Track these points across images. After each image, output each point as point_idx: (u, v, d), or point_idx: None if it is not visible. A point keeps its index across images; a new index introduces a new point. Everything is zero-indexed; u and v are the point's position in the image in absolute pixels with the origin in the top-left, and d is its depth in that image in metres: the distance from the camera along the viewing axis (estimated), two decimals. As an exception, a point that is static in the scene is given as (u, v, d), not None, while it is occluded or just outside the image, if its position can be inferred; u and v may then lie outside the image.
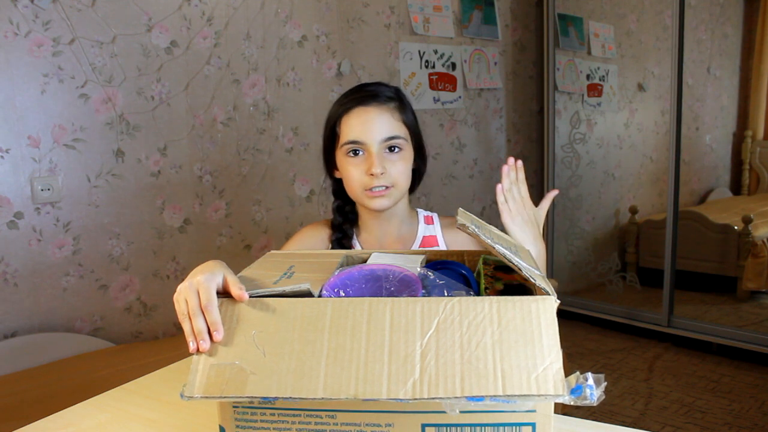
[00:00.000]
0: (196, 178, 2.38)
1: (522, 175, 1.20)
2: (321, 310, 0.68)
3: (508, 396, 0.59)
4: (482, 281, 0.83)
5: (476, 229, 0.73)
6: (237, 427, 0.70)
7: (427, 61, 3.13)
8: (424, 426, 0.66)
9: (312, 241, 1.31)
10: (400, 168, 1.20)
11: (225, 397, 0.64)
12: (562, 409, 1.10)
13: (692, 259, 3.62)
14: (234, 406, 0.69)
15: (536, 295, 0.69)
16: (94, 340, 2.07)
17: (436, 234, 1.30)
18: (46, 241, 2.03)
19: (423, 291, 0.78)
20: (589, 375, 0.61)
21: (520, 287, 0.80)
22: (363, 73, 2.87)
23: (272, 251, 1.00)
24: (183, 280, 0.74)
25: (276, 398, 0.62)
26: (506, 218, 1.16)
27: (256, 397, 0.63)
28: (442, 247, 1.29)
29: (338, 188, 1.30)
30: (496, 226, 0.85)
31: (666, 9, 3.54)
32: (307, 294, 0.73)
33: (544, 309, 0.66)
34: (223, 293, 0.74)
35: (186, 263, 2.36)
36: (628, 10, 3.81)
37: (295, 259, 0.92)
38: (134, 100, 2.19)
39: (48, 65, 2.00)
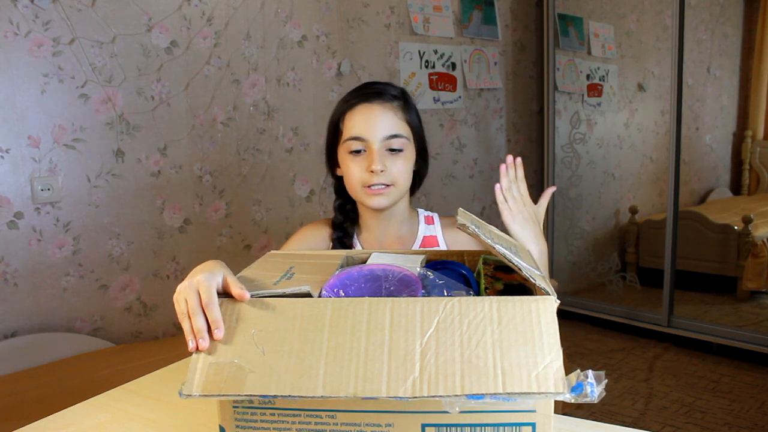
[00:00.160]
0: (196, 178, 2.38)
1: (521, 173, 1.20)
2: (321, 310, 0.68)
3: (509, 394, 0.59)
4: (482, 281, 0.83)
5: (476, 229, 0.73)
6: (237, 427, 0.70)
7: (427, 61, 3.13)
8: (424, 426, 0.66)
9: (312, 240, 1.31)
10: (401, 167, 1.20)
11: (224, 396, 0.64)
12: (562, 409, 1.10)
13: (692, 259, 3.62)
14: (234, 406, 0.69)
15: (536, 295, 0.69)
16: (94, 340, 2.07)
17: (437, 234, 1.30)
18: (46, 241, 2.03)
19: (423, 291, 0.78)
20: (590, 372, 0.61)
21: (520, 287, 0.80)
22: (363, 73, 2.87)
23: (272, 251, 1.00)
24: (183, 280, 0.74)
25: (275, 396, 0.62)
26: (507, 217, 1.16)
27: (254, 395, 0.63)
28: (442, 247, 1.29)
29: (340, 186, 1.29)
30: (496, 226, 0.85)
31: (666, 9, 3.54)
32: (307, 296, 0.73)
33: (544, 309, 0.66)
34: (223, 293, 0.74)
35: (186, 263, 2.36)
36: (628, 10, 3.81)
37: (294, 259, 0.92)
38: (134, 100, 2.19)
39: (48, 65, 2.00)
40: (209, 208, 2.42)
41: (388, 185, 1.19)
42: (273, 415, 0.68)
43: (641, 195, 4.07)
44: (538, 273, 0.72)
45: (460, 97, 3.30)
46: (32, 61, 1.97)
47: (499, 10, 3.46)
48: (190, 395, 0.64)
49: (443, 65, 3.20)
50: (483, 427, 0.66)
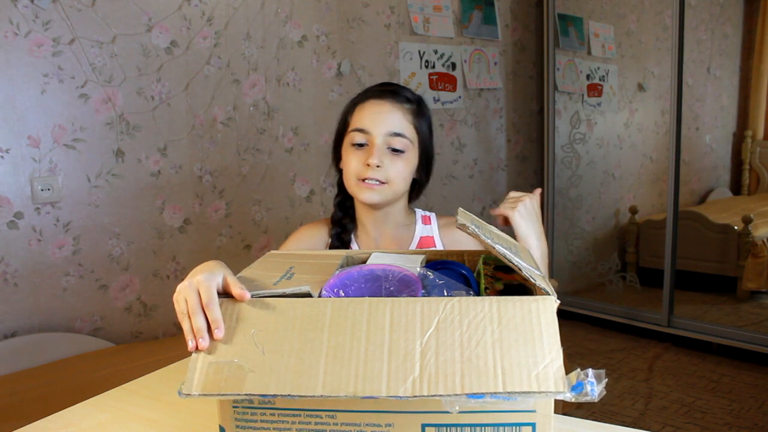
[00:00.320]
0: (196, 178, 2.38)
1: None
2: (321, 310, 0.68)
3: (509, 393, 0.59)
4: (482, 281, 0.83)
5: (476, 229, 0.73)
6: (237, 427, 0.70)
7: (427, 61, 3.13)
8: (424, 426, 0.66)
9: (310, 240, 1.31)
10: (399, 168, 1.20)
11: (223, 395, 0.63)
12: (562, 409, 1.10)
13: (692, 259, 3.62)
14: (234, 406, 0.69)
15: (536, 295, 0.69)
16: (94, 340, 2.07)
17: (433, 234, 1.29)
18: (46, 241, 2.03)
19: (423, 291, 0.78)
20: (590, 371, 0.61)
21: (520, 287, 0.80)
22: (363, 73, 2.87)
23: (272, 251, 1.00)
24: (183, 280, 0.74)
25: (275, 396, 0.62)
26: (508, 210, 1.14)
27: (254, 395, 0.63)
28: (439, 247, 1.28)
29: (341, 180, 1.30)
30: (496, 226, 0.85)
31: (666, 9, 3.54)
32: (307, 296, 0.73)
33: (545, 309, 0.66)
34: (223, 293, 0.74)
35: (186, 263, 2.36)
36: (628, 10, 3.81)
37: (294, 259, 0.92)
38: (134, 100, 2.19)
39: (48, 65, 2.00)
40: (209, 208, 2.42)
41: (382, 182, 1.19)
42: (273, 415, 0.68)
43: (641, 195, 4.07)
44: (538, 273, 0.72)
45: (460, 97, 3.30)
46: (32, 61, 1.97)
47: (499, 10, 3.46)
48: (189, 395, 0.64)
49: (443, 65, 3.20)
50: (483, 427, 0.66)
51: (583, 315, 3.48)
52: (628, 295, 3.50)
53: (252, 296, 0.72)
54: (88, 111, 2.09)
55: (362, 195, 1.20)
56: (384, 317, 0.67)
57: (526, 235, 1.13)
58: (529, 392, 0.59)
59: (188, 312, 0.70)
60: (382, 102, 1.21)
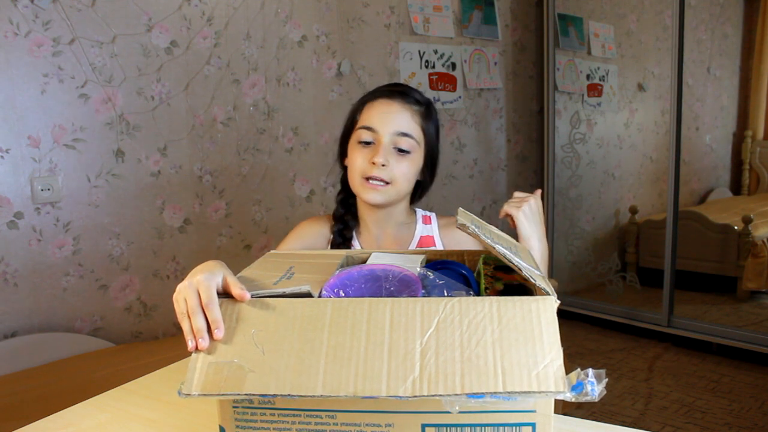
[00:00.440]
0: (196, 178, 2.38)
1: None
2: (321, 310, 0.68)
3: (509, 393, 0.59)
4: (482, 281, 0.83)
5: (476, 229, 0.73)
6: (237, 427, 0.70)
7: (427, 61, 3.13)
8: (424, 426, 0.66)
9: (311, 236, 1.31)
10: (404, 168, 1.20)
11: (223, 395, 0.63)
12: (562, 410, 1.10)
13: (692, 259, 3.62)
14: (234, 406, 0.69)
15: (536, 295, 0.69)
16: (94, 340, 2.07)
17: (434, 234, 1.30)
18: (46, 241, 2.03)
19: (423, 291, 0.78)
20: (590, 371, 0.61)
21: (520, 287, 0.80)
22: (363, 73, 2.87)
23: (272, 251, 1.00)
24: (183, 280, 0.74)
25: (275, 395, 0.62)
26: (512, 210, 1.14)
27: (254, 395, 0.63)
28: (438, 247, 1.29)
29: (346, 178, 1.30)
30: (496, 226, 0.85)
31: (666, 9, 3.54)
32: (307, 295, 0.73)
33: (545, 309, 0.66)
34: (223, 293, 0.74)
35: (186, 263, 2.36)
36: (628, 10, 3.81)
37: (294, 259, 0.92)
38: (134, 100, 2.19)
39: (48, 65, 2.00)
40: (209, 208, 2.42)
41: (386, 182, 1.19)
42: (273, 415, 0.68)
43: (641, 195, 4.07)
44: (538, 273, 0.72)
45: (460, 97, 3.30)
46: (32, 61, 1.97)
47: (499, 10, 3.46)
48: (189, 395, 0.64)
49: (443, 65, 3.20)
50: (483, 428, 0.66)
51: (583, 315, 3.48)
52: (628, 295, 3.50)
53: (252, 296, 0.72)
54: (88, 111, 2.09)
55: (366, 195, 1.20)
56: (384, 317, 0.67)
57: (528, 236, 1.13)
58: (529, 392, 0.59)
59: (188, 312, 0.70)
60: (391, 102, 1.21)
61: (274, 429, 0.69)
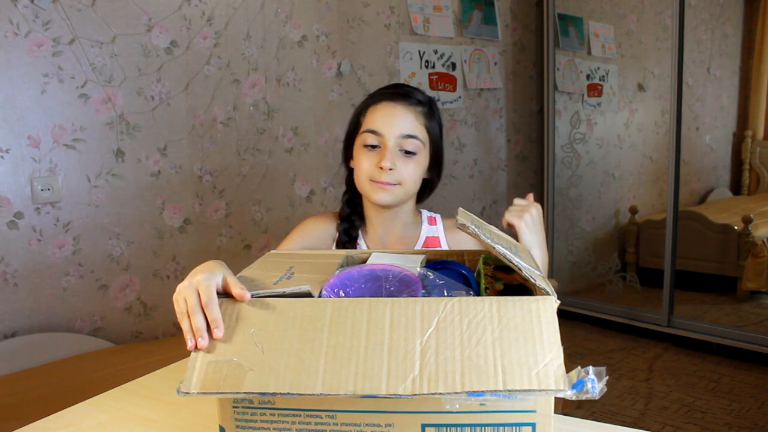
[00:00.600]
0: (196, 178, 2.38)
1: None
2: (321, 310, 0.68)
3: (509, 391, 0.59)
4: (482, 281, 0.83)
5: (476, 229, 0.73)
6: (237, 427, 0.70)
7: (427, 61, 3.13)
8: (424, 426, 0.66)
9: (316, 233, 1.31)
10: (411, 170, 1.21)
11: (222, 393, 0.63)
12: (561, 410, 1.10)
13: (692, 259, 3.62)
14: (234, 406, 0.69)
15: (536, 295, 0.69)
16: (94, 340, 2.07)
17: (439, 235, 1.31)
18: (46, 241, 2.03)
19: (423, 291, 0.78)
20: (590, 369, 0.61)
21: (520, 287, 0.80)
22: (363, 73, 2.87)
23: (272, 251, 1.00)
24: (183, 280, 0.74)
25: (274, 394, 0.62)
26: (515, 219, 1.12)
27: (253, 393, 0.62)
28: (444, 247, 1.29)
29: (351, 179, 1.31)
30: (496, 226, 0.85)
31: (666, 9, 3.54)
32: (308, 295, 0.73)
33: (545, 308, 0.66)
34: (223, 293, 0.74)
35: (186, 263, 2.36)
36: (628, 10, 3.81)
37: (294, 259, 0.92)
38: (134, 100, 2.19)
39: (48, 65, 2.00)
40: (209, 208, 2.42)
41: (394, 184, 1.20)
42: (273, 415, 0.68)
43: (641, 195, 4.07)
44: (538, 273, 0.72)
45: (460, 97, 3.30)
46: (32, 61, 1.97)
47: (499, 10, 3.46)
48: (188, 393, 0.64)
49: (443, 65, 3.20)
50: (483, 428, 0.66)
51: (583, 315, 3.48)
52: (628, 295, 3.50)
53: (252, 296, 0.72)
54: (88, 111, 2.09)
55: (374, 195, 1.21)
56: (384, 317, 0.67)
57: (530, 245, 1.12)
58: (529, 390, 0.59)
59: (188, 312, 0.70)
60: (394, 104, 1.22)
61: (274, 429, 0.69)
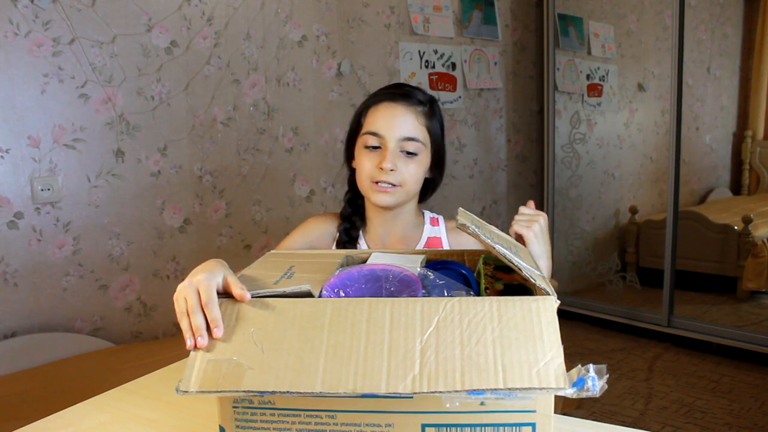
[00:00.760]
0: (196, 178, 2.38)
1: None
2: (321, 310, 0.68)
3: (509, 389, 0.59)
4: (482, 281, 0.83)
5: (476, 229, 0.73)
6: (237, 427, 0.70)
7: (427, 61, 3.13)
8: (424, 426, 0.66)
9: (318, 232, 1.32)
10: (412, 171, 1.21)
11: (221, 392, 0.63)
12: (561, 410, 1.10)
13: (692, 259, 3.62)
14: (234, 406, 0.69)
15: (536, 295, 0.69)
16: (94, 340, 2.07)
17: (441, 236, 1.30)
18: (46, 241, 2.03)
19: (423, 291, 0.78)
20: (591, 366, 0.61)
21: (520, 287, 0.80)
22: (363, 73, 2.87)
23: (272, 251, 1.00)
24: (183, 280, 0.74)
25: (273, 392, 0.62)
26: (523, 230, 1.07)
27: (252, 391, 0.62)
28: (446, 248, 1.29)
29: (353, 179, 1.31)
30: (496, 226, 0.85)
31: (666, 9, 3.54)
32: (308, 295, 0.73)
33: (545, 308, 0.66)
34: (223, 293, 0.74)
35: (186, 263, 2.36)
36: (628, 10, 3.81)
37: (295, 259, 0.92)
38: (134, 100, 2.19)
39: (48, 65, 2.00)
40: (209, 208, 2.42)
41: (395, 185, 1.20)
42: (273, 415, 0.68)
43: (641, 195, 4.07)
44: (538, 273, 0.72)
45: (460, 97, 3.30)
46: (32, 61, 1.97)
47: (499, 10, 3.46)
48: (187, 391, 0.64)
49: (443, 65, 3.20)
50: (483, 428, 0.66)
51: (583, 315, 3.48)
52: (628, 295, 3.50)
53: (252, 296, 0.72)
54: (88, 111, 2.09)
55: (376, 198, 1.21)
56: (384, 317, 0.67)
57: (537, 256, 1.10)
58: (530, 388, 0.59)
59: (187, 311, 0.70)
60: (395, 105, 1.21)
61: (274, 429, 0.69)
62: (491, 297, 0.68)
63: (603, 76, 3.72)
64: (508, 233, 1.06)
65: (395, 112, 1.21)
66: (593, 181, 3.79)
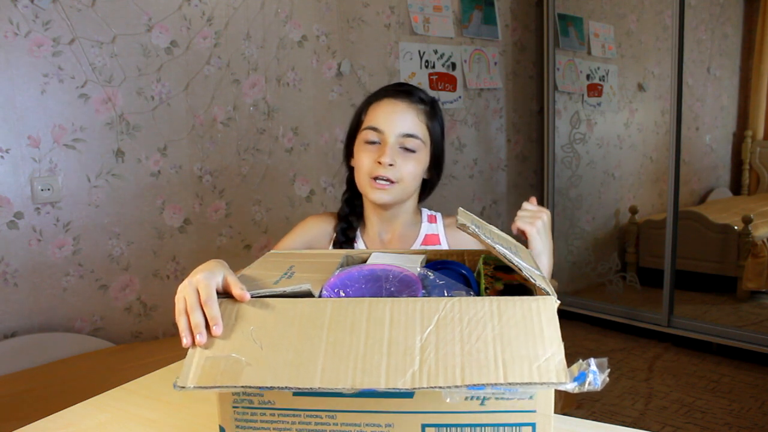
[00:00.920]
0: (196, 178, 2.38)
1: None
2: (320, 309, 0.68)
3: (510, 384, 0.59)
4: (482, 281, 0.83)
5: (476, 229, 0.73)
6: (237, 427, 0.70)
7: (427, 61, 3.13)
8: (424, 426, 0.66)
9: (315, 232, 1.32)
10: (411, 168, 1.21)
11: (219, 387, 0.63)
12: (561, 410, 1.10)
13: (692, 259, 3.62)
14: (234, 406, 0.69)
15: (536, 295, 0.69)
16: (94, 340, 2.07)
17: (439, 233, 1.30)
18: (46, 241, 2.03)
19: (423, 291, 0.78)
20: (592, 360, 0.60)
21: (520, 287, 0.80)
22: (363, 73, 2.87)
23: (272, 251, 1.00)
24: (183, 280, 0.74)
25: (271, 388, 0.62)
26: (526, 226, 1.09)
27: (250, 387, 0.62)
28: (443, 246, 1.29)
29: (351, 178, 1.31)
30: (496, 226, 0.85)
31: (666, 9, 3.54)
32: (308, 294, 0.73)
33: (545, 308, 0.66)
34: (223, 293, 0.74)
35: (186, 263, 2.36)
36: (628, 10, 3.81)
37: (295, 258, 0.92)
38: (134, 100, 2.19)
39: (48, 65, 2.00)
40: (209, 208, 2.42)
41: (393, 182, 1.20)
42: (273, 415, 0.68)
43: (641, 195, 4.07)
44: (538, 273, 0.72)
45: (460, 97, 3.30)
46: (32, 61, 1.97)
47: (499, 10, 3.46)
48: (184, 387, 0.64)
49: (443, 65, 3.20)
50: (483, 428, 0.66)
51: (583, 315, 3.48)
52: (628, 295, 3.50)
53: (252, 296, 0.72)
54: (88, 111, 2.09)
55: (373, 195, 1.21)
56: (384, 316, 0.67)
57: (539, 252, 1.11)
58: (530, 383, 0.59)
59: (186, 309, 0.70)
60: (396, 102, 1.22)
61: (274, 429, 0.69)
62: (491, 297, 0.68)
63: (603, 76, 3.72)
64: (508, 232, 1.06)
65: (396, 108, 1.21)
66: (593, 181, 3.79)
